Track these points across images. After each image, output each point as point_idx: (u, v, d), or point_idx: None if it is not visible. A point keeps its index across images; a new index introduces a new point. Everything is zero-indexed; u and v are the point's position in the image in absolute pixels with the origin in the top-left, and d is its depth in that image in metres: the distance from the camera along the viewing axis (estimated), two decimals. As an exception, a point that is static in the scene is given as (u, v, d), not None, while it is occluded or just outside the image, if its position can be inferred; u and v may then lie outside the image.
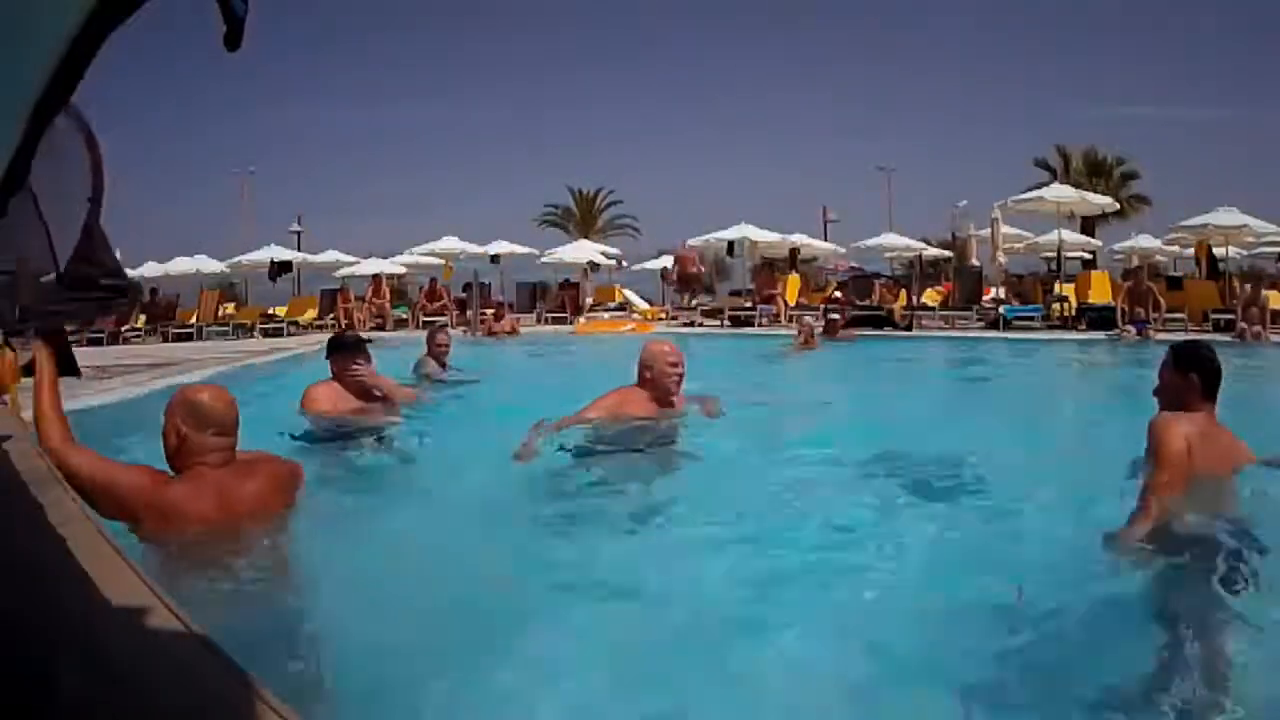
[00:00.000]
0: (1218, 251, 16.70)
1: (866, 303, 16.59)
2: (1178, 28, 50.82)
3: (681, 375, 4.20)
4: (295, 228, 31.68)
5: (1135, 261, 19.81)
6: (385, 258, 22.79)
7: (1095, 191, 21.59)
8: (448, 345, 7.16)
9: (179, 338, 18.48)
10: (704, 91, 66.06)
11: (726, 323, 17.11)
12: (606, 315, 19.48)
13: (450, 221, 47.79)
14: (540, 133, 65.73)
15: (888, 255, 24.21)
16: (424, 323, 18.05)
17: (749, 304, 17.66)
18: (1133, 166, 34.59)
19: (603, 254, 24.56)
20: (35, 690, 1.01)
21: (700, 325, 17.13)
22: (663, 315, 20.01)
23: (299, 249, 25.65)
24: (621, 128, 65.00)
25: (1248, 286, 13.93)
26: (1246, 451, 2.96)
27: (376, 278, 20.22)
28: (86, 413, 4.99)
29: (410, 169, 61.71)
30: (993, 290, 16.64)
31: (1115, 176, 33.99)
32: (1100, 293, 15.03)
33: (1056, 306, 15.06)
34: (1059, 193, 17.35)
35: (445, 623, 2.29)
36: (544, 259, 23.57)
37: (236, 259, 22.16)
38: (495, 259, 22.16)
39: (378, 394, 4.61)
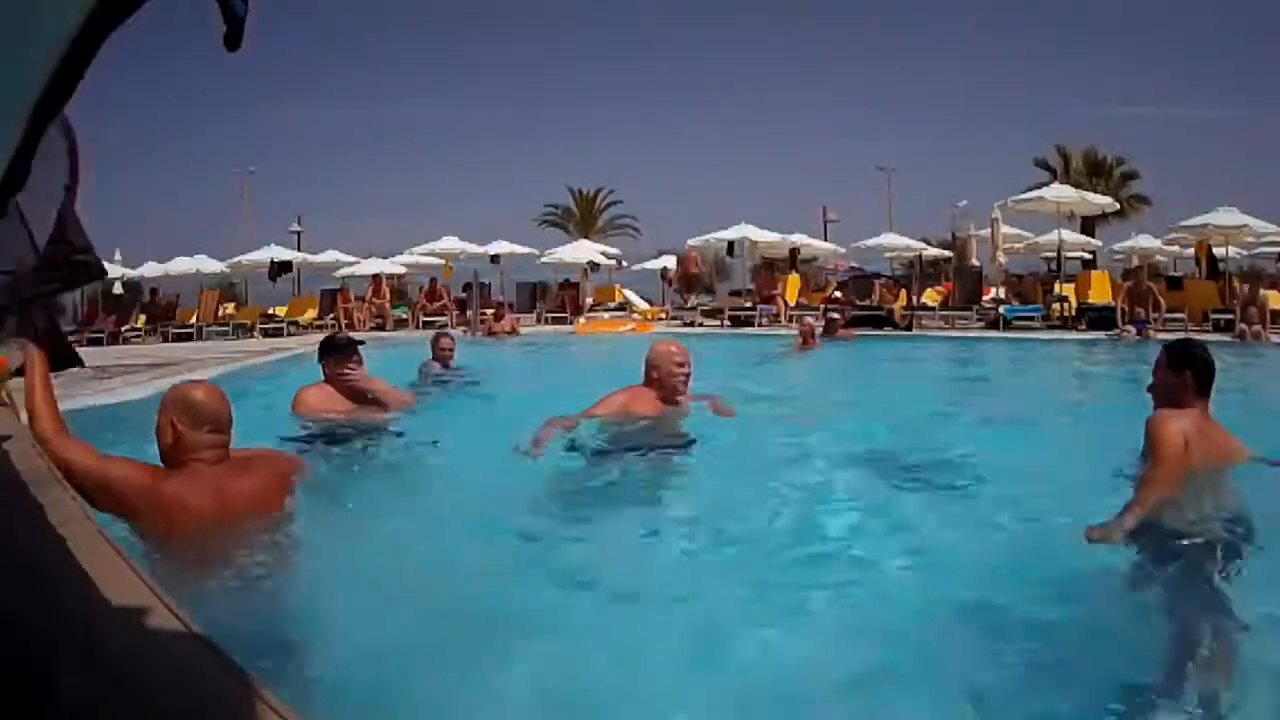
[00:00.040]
0: (1218, 251, 16.70)
1: (866, 303, 16.59)
2: (1178, 28, 50.88)
3: (688, 375, 4.24)
4: (295, 228, 31.70)
5: (1135, 261, 19.81)
6: (385, 258, 22.78)
7: (1095, 191, 21.59)
8: (452, 349, 7.21)
9: (179, 338, 18.48)
10: (704, 91, 66.13)
11: (726, 323, 17.11)
12: (606, 315, 19.48)
13: (450, 221, 47.86)
14: (540, 133, 65.82)
15: (888, 255, 24.21)
16: (424, 323, 18.06)
17: (749, 304, 17.66)
18: (1133, 166, 34.62)
19: (603, 254, 24.54)
20: (35, 690, 1.01)
21: (700, 325, 17.13)
22: (663, 315, 20.01)
23: (299, 249, 25.65)
24: (621, 128, 65.06)
25: (1246, 287, 13.94)
26: (1240, 446, 3.02)
27: (376, 278, 20.21)
28: (86, 412, 4.99)
29: (410, 169, 61.79)
30: (993, 290, 16.64)
31: (1115, 176, 33.98)
32: (1100, 293, 15.03)
33: (1056, 306, 15.06)
34: (1059, 193, 17.35)
35: (446, 623, 2.29)
36: (544, 259, 23.55)
37: (236, 259, 22.14)
38: (495, 259, 22.16)
39: (370, 397, 4.54)
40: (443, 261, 21.39)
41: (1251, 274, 19.99)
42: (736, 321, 17.02)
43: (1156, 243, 20.96)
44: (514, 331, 14.92)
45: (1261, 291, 13.27)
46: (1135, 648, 2.22)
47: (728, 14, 59.56)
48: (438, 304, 19.05)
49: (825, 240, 26.57)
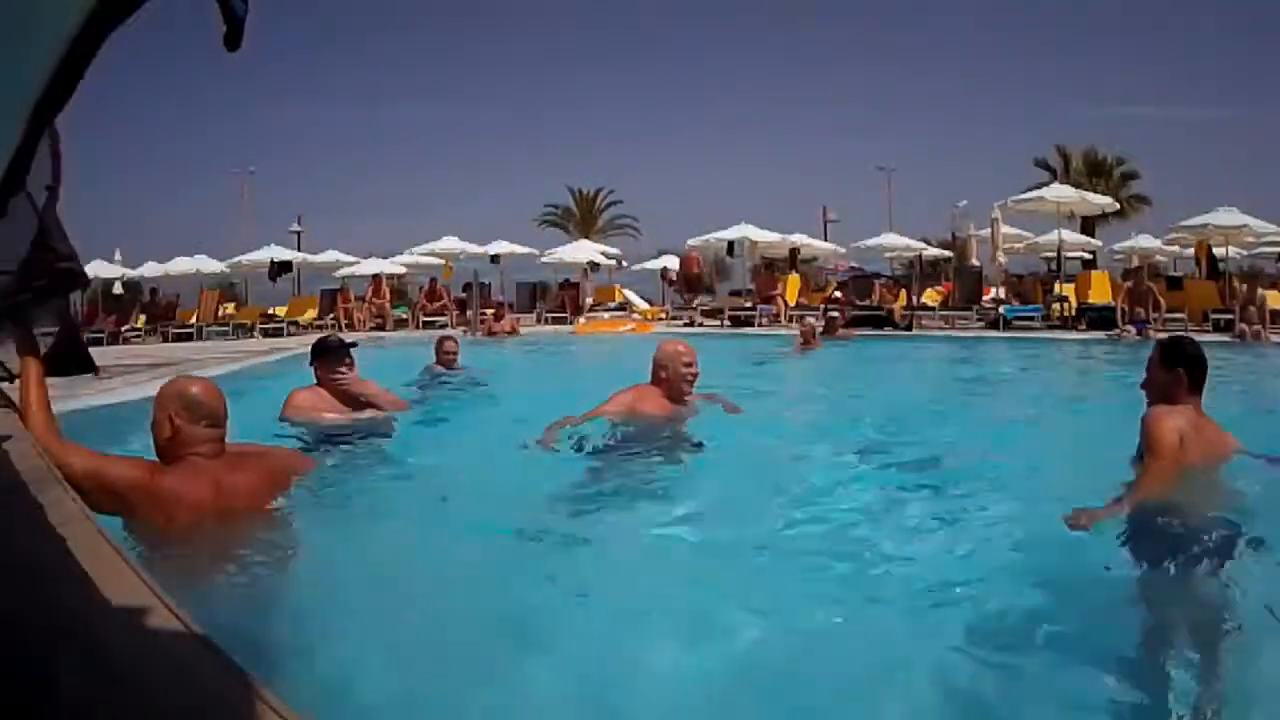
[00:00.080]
0: (1218, 251, 16.70)
1: (866, 303, 16.59)
2: (1178, 28, 50.89)
3: (696, 375, 4.30)
4: (295, 228, 31.71)
5: (1135, 261, 19.82)
6: (385, 258, 22.79)
7: (1095, 191, 21.60)
8: (456, 352, 7.29)
9: (179, 338, 18.49)
10: (704, 91, 66.18)
11: (726, 323, 17.12)
12: (606, 315, 19.48)
13: (450, 221, 47.90)
14: (540, 133, 65.84)
15: (888, 255, 24.21)
16: (424, 323, 18.07)
17: (749, 304, 17.67)
18: (1133, 166, 34.64)
19: (603, 254, 24.55)
20: (35, 690, 1.01)
21: (700, 325, 17.13)
22: (663, 315, 20.02)
23: (299, 249, 25.65)
24: (621, 128, 65.12)
25: (1244, 287, 13.95)
26: (1234, 441, 3.08)
27: (376, 278, 20.22)
28: (86, 413, 4.98)
29: (410, 169, 61.88)
30: (993, 290, 16.64)
31: (1115, 176, 33.99)
32: (1100, 293, 15.04)
33: (1056, 306, 15.06)
34: (1059, 193, 17.35)
35: (448, 622, 2.29)
36: (544, 259, 23.56)
37: (236, 259, 22.15)
38: (495, 259, 22.15)
39: (363, 400, 4.48)
40: (443, 261, 21.39)
41: (1251, 274, 19.98)
42: (736, 321, 17.02)
43: (1156, 243, 20.96)
44: (514, 331, 14.92)
45: (1260, 291, 13.27)
46: (1132, 645, 2.23)
47: (728, 14, 59.67)
48: (438, 304, 19.05)
49: (825, 240, 26.58)
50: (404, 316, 19.32)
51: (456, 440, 4.84)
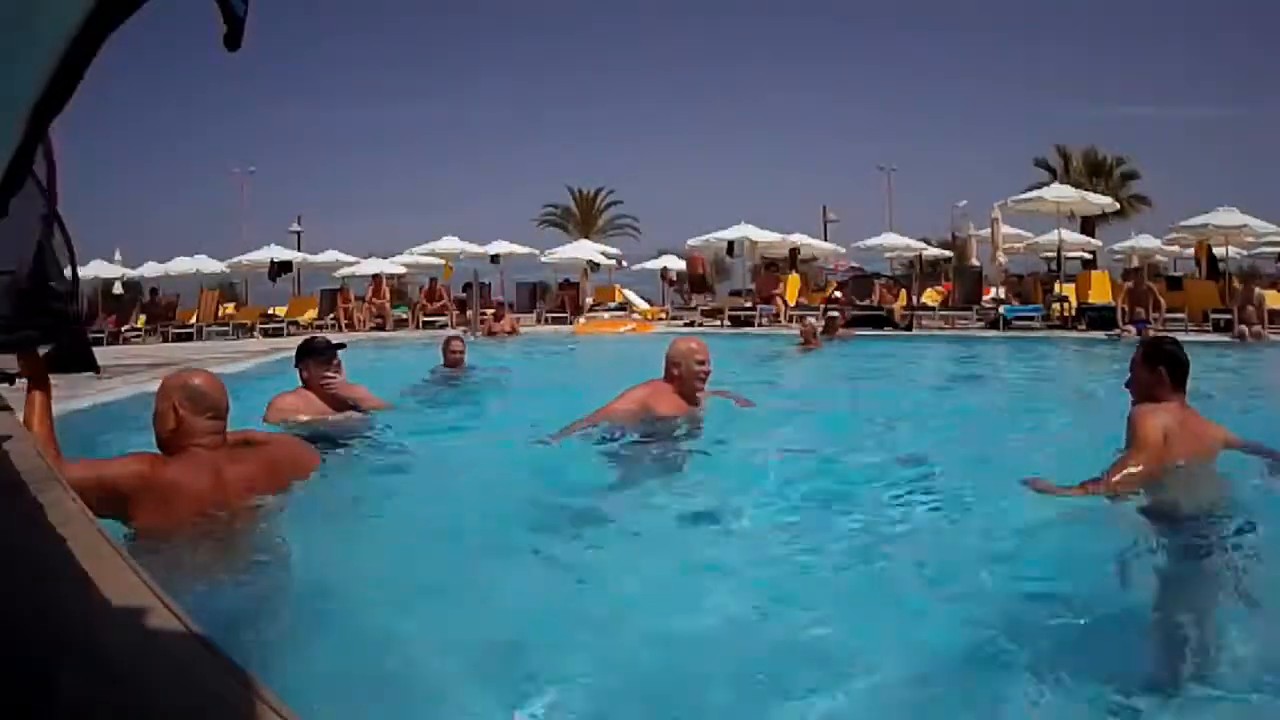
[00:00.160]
0: (1218, 251, 16.70)
1: (866, 303, 16.59)
2: (1178, 28, 50.90)
3: (708, 373, 4.35)
4: (295, 228, 31.73)
5: (1135, 261, 19.82)
6: (385, 258, 22.79)
7: (1095, 191, 21.58)
8: (462, 352, 7.39)
9: (179, 338, 18.50)
10: (704, 91, 66.20)
11: (726, 323, 17.12)
12: (606, 315, 19.48)
13: (450, 221, 47.98)
14: (540, 133, 65.94)
15: (888, 255, 24.20)
16: (424, 323, 18.07)
17: (749, 304, 17.67)
18: (1133, 166, 34.62)
19: (603, 254, 24.54)
20: (35, 690, 1.01)
21: (700, 325, 17.13)
22: (663, 315, 20.03)
23: (299, 249, 25.66)
24: (621, 128, 65.15)
25: (1242, 286, 13.95)
26: (1220, 431, 3.15)
27: (376, 278, 20.22)
28: (86, 412, 4.99)
29: (410, 169, 61.90)
30: (993, 290, 16.64)
31: (1115, 176, 33.98)
32: (1100, 293, 15.04)
33: (1056, 306, 15.06)
34: (1059, 193, 17.34)
35: (450, 622, 2.29)
36: (544, 259, 23.57)
37: (236, 259, 22.15)
38: (495, 259, 22.17)
39: (350, 404, 4.41)
40: (443, 261, 21.40)
41: (1250, 274, 19.99)
42: (736, 321, 17.02)
43: (1156, 243, 20.96)
44: (514, 331, 14.92)
45: (1258, 291, 13.27)
46: (1128, 642, 2.23)
47: (728, 14, 59.67)
48: (438, 304, 19.05)
49: (825, 240, 26.57)
50: (404, 316, 19.33)
51: (470, 439, 4.85)
